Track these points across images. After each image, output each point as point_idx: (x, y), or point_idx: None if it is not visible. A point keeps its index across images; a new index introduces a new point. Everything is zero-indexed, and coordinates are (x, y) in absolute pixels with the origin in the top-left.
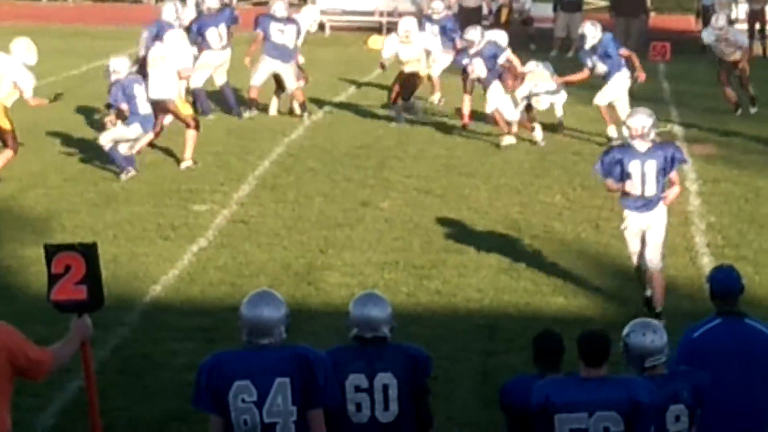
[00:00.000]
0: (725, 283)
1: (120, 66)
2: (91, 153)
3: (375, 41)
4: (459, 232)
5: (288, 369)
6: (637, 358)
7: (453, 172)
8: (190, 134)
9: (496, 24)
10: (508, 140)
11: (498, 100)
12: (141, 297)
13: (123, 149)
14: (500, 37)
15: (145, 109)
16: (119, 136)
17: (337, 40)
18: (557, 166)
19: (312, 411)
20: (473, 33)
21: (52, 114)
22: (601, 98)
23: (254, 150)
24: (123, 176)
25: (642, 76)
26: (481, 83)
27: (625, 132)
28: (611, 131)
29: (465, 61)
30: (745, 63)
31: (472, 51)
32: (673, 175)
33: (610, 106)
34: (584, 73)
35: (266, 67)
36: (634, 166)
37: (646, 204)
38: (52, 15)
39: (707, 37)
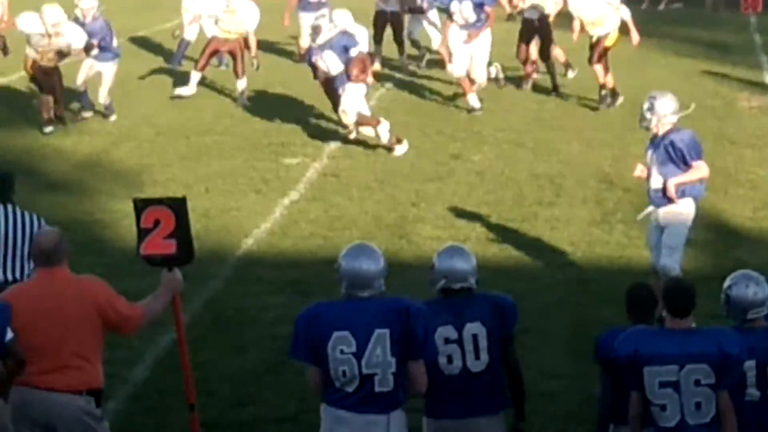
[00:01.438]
0: None
1: (89, 3)
2: (183, 106)
3: None
4: (551, 185)
5: (387, 320)
6: (739, 311)
7: (544, 125)
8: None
9: None
10: (401, 149)
11: (356, 103)
12: (233, 250)
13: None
14: (349, 21)
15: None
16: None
17: None
18: None
19: (413, 363)
20: (325, 21)
21: (142, 67)
22: (457, 68)
23: None
24: (84, 114)
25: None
26: (325, 84)
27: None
28: (473, 100)
29: (314, 57)
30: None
31: (319, 41)
32: (686, 177)
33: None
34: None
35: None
36: (647, 155)
37: (656, 198)
38: None
39: None
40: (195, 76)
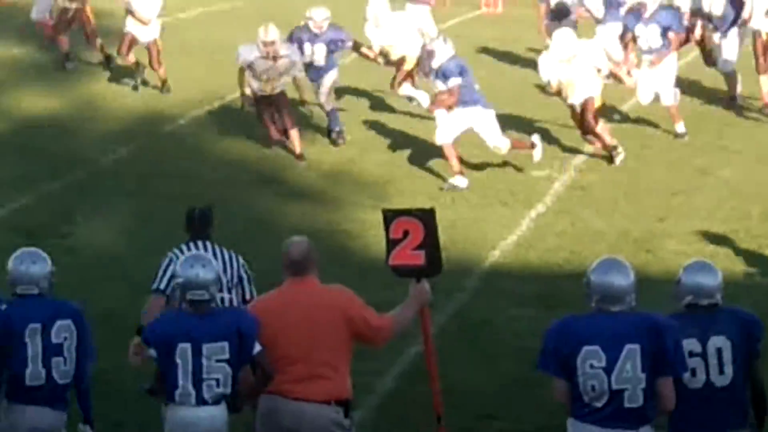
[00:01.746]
0: None
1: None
2: (429, 117)
3: None
4: None
5: (638, 336)
6: None
7: None
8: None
9: None
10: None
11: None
12: (479, 262)
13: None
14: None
15: None
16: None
17: None
18: None
19: (661, 379)
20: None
21: (386, 79)
22: (643, 96)
23: None
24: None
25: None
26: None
27: None
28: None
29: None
30: None
31: (434, 64)
32: None
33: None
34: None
35: None
36: None
37: None
38: None
39: None
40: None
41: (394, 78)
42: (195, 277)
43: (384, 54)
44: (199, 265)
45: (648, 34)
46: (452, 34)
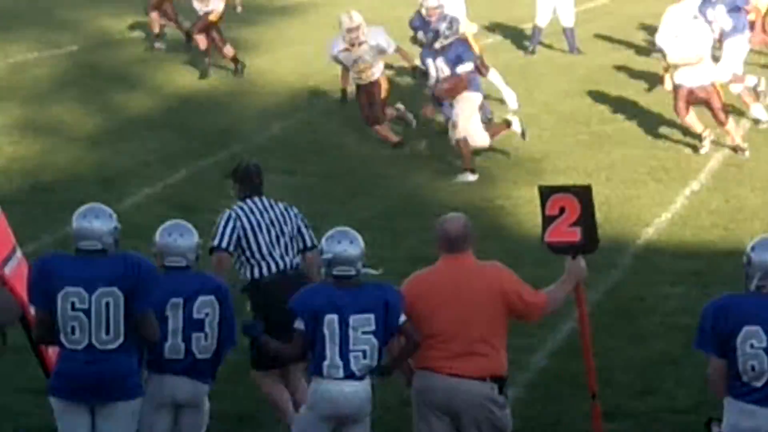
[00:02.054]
0: None
1: (434, 2)
2: (584, 95)
3: None
4: None
5: None
6: None
7: None
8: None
9: None
10: (466, 177)
11: (469, 118)
12: (633, 239)
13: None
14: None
15: None
16: None
17: None
18: None
19: None
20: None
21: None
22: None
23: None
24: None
25: None
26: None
27: None
28: (757, 111)
29: (428, 60)
30: None
31: (437, 45)
32: None
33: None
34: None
35: None
36: None
37: None
38: None
39: None
40: None
41: None
42: (342, 253)
43: None
44: (346, 241)
45: (717, 16)
46: (603, 11)
